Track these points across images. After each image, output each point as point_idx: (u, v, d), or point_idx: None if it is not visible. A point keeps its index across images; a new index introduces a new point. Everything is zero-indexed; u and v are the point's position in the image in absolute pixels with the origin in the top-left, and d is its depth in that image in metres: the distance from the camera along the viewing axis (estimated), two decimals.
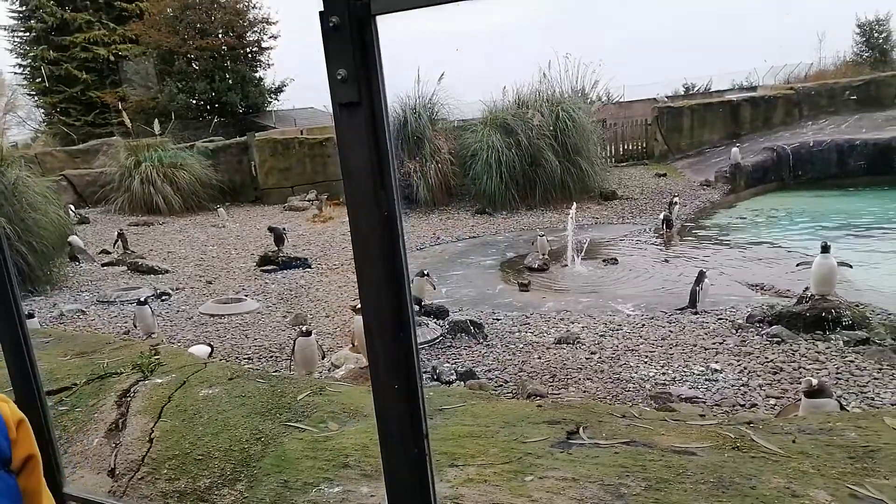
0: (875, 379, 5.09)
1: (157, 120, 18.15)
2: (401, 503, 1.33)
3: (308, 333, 5.39)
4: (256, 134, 18.62)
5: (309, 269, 11.23)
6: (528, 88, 15.76)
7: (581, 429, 1.90)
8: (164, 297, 9.98)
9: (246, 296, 9.83)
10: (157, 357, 2.58)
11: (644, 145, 18.60)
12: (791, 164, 15.53)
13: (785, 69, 23.27)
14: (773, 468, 1.61)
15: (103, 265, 12.22)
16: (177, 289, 10.63)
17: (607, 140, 17.59)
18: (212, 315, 8.87)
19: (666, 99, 21.38)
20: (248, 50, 26.86)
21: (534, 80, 15.86)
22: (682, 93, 26.70)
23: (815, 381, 3.19)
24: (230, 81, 25.03)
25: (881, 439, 1.71)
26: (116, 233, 13.39)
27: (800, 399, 3.26)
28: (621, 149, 18.52)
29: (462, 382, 5.52)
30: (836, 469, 1.59)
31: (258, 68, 26.98)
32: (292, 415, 2.19)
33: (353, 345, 5.76)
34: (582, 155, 14.73)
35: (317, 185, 17.41)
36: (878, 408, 3.44)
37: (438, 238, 13.30)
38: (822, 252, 6.73)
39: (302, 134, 19.20)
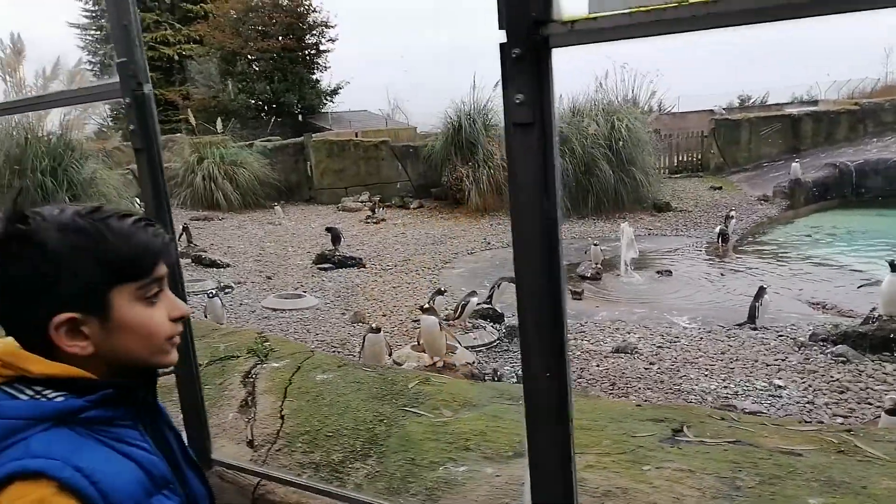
0: None
1: (219, 118, 18.76)
2: (545, 479, 1.48)
3: (377, 330, 5.62)
4: (313, 135, 19.08)
5: (363, 269, 11.49)
6: (584, 97, 15.79)
7: (685, 427, 2.03)
8: (227, 290, 10.35)
9: (304, 292, 10.13)
10: (267, 343, 2.80)
11: (699, 157, 18.39)
12: (854, 182, 15.16)
13: (849, 84, 22.72)
14: (881, 471, 1.72)
15: None
16: (238, 283, 11.02)
17: (662, 151, 17.45)
18: (274, 309, 9.19)
19: (723, 111, 21.08)
20: (306, 52, 27.56)
21: (589, 89, 15.88)
22: (738, 105, 26.29)
23: None
24: (288, 83, 25.72)
25: None
26: (181, 226, 13.91)
27: (879, 416, 3.30)
28: (676, 160, 18.35)
29: None
30: None
31: (315, 70, 27.70)
32: (407, 400, 2.37)
33: (418, 343, 5.95)
34: (636, 165, 14.68)
35: (370, 186, 17.74)
36: None
37: (489, 243, 13.43)
38: (891, 271, 6.63)
39: (357, 136, 19.60)
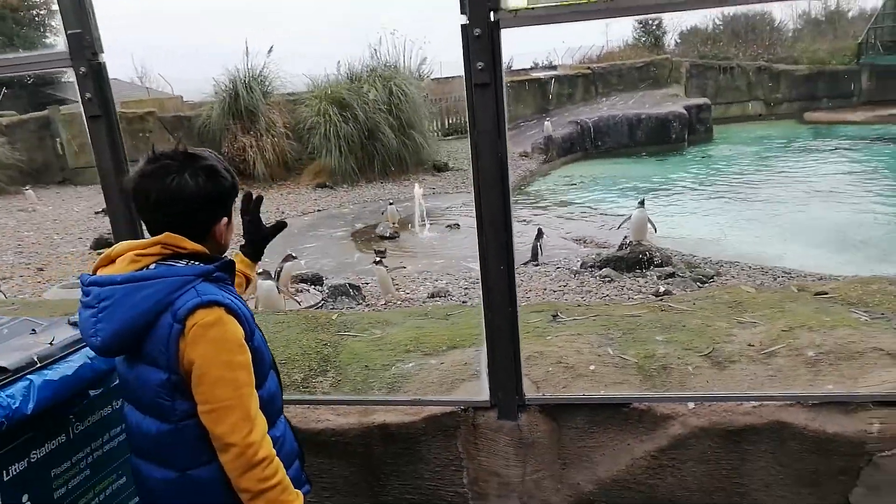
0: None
1: None
2: (501, 349, 2.03)
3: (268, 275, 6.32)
4: (60, 108, 16.95)
5: None
6: (360, 63, 16.22)
7: (559, 313, 2.73)
8: None
9: None
10: None
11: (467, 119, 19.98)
12: (592, 136, 17.83)
13: (581, 50, 26.22)
14: (690, 316, 2.58)
15: None
16: (3, 279, 9.77)
17: (434, 115, 18.65)
18: (63, 301, 8.41)
19: None
20: (35, 12, 23.87)
21: (364, 55, 16.35)
22: None
23: (662, 288, 4.35)
24: (15, 48, 22.11)
25: (742, 297, 2.76)
26: None
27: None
28: (446, 123, 19.75)
29: None
30: (725, 313, 2.60)
31: (48, 33, 24.11)
32: (339, 328, 2.73)
33: (256, 308, 6.09)
34: (416, 129, 15.60)
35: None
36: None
37: (283, 213, 13.43)
38: (638, 206, 8.28)
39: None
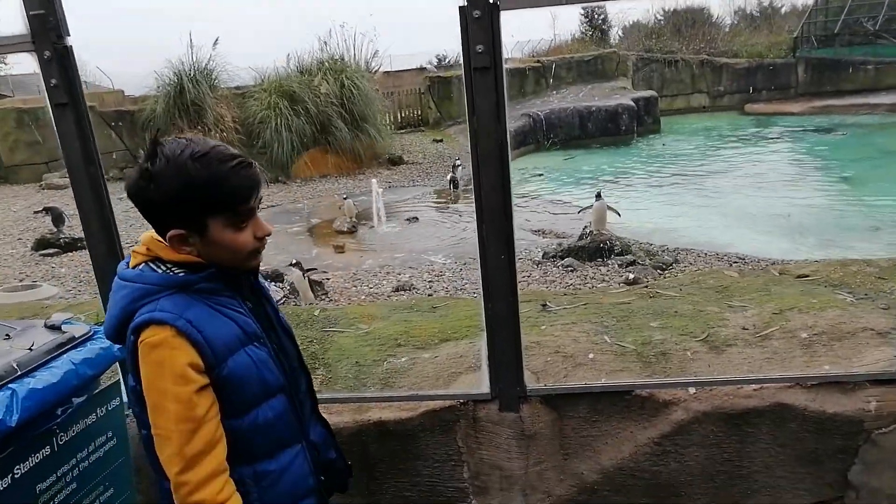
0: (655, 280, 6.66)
1: None
2: (502, 341, 1.99)
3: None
4: None
5: None
6: (310, 56, 15.92)
7: (548, 301, 2.70)
8: None
9: (35, 282, 8.93)
10: None
11: (420, 113, 19.89)
12: (544, 129, 17.99)
13: (529, 44, 26.40)
14: (679, 301, 2.60)
15: None
16: None
17: (386, 108, 18.48)
18: (5, 305, 7.98)
19: (435, 68, 22.91)
20: None
21: (314, 48, 16.05)
22: (437, 64, 28.55)
23: (631, 276, 4.39)
24: None
25: (727, 282, 2.79)
26: None
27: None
28: (399, 116, 19.60)
29: None
30: (714, 297, 2.62)
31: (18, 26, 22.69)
32: (324, 324, 2.64)
33: None
34: (369, 122, 15.42)
35: (122, 166, 15.67)
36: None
37: None
38: (596, 198, 8.40)
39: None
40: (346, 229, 11.04)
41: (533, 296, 2.89)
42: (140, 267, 1.33)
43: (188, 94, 14.70)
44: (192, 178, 1.25)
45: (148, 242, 1.35)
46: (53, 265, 9.84)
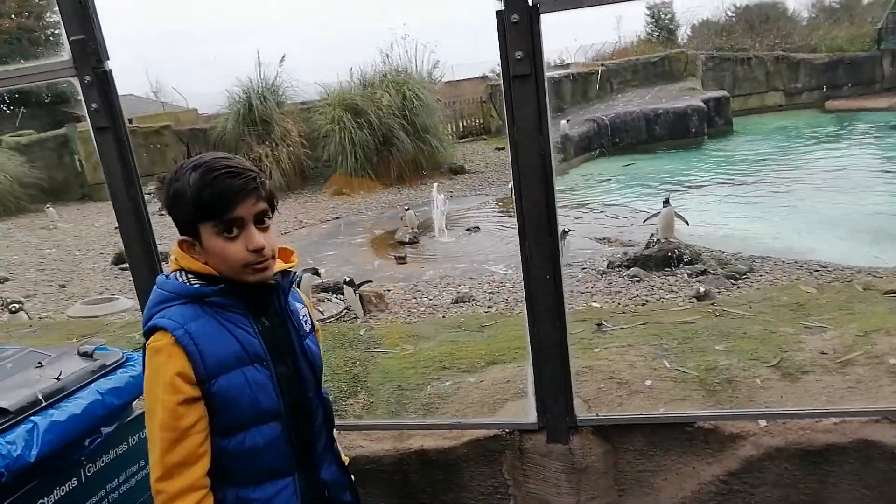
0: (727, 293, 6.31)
1: None
2: (549, 369, 1.85)
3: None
4: (78, 125, 17.02)
5: None
6: (372, 69, 16.12)
7: (603, 321, 2.54)
8: (15, 306, 9.12)
9: (113, 295, 9.32)
10: None
11: (482, 121, 19.84)
12: (610, 133, 17.56)
13: (593, 47, 25.96)
14: (750, 321, 2.38)
15: None
16: (27, 296, 9.75)
17: (448, 118, 18.51)
18: (85, 317, 8.36)
19: (496, 76, 22.85)
20: (48, 32, 24.11)
21: (376, 60, 16.25)
22: (497, 72, 28.44)
23: (702, 289, 4.13)
24: None
25: (803, 298, 2.55)
26: None
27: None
28: (461, 126, 19.61)
29: None
30: (788, 317, 2.39)
31: (64, 52, 24.24)
32: (367, 344, 2.57)
33: None
34: (430, 132, 15.46)
35: (157, 177, 16.41)
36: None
37: (301, 221, 13.35)
38: (664, 204, 8.06)
39: (131, 122, 17.89)
40: (407, 240, 11.05)
41: (588, 314, 2.73)
42: (171, 275, 1.38)
43: (256, 111, 15.14)
44: (182, 184, 1.30)
45: (175, 252, 1.38)
46: (130, 279, 10.25)
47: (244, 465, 1.33)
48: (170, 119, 17.91)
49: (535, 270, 1.79)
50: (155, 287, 1.37)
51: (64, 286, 10.13)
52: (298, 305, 1.49)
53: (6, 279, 10.60)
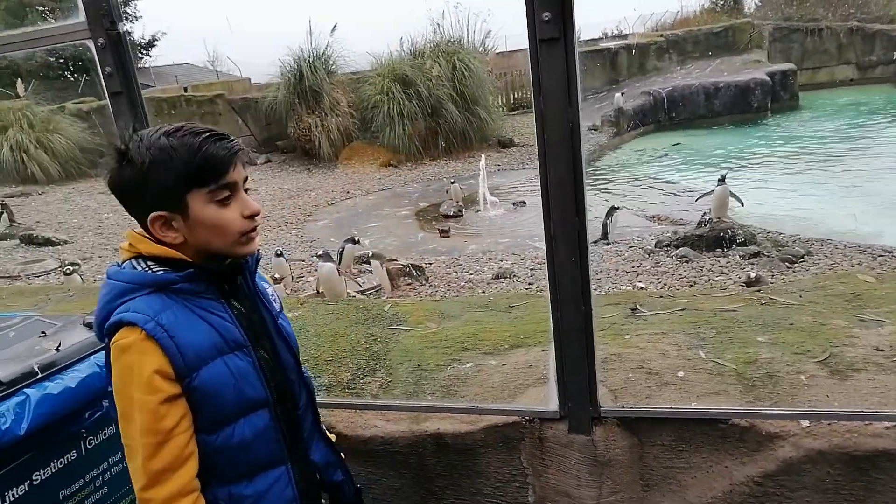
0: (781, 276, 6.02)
1: (18, 80, 16.54)
2: (572, 356, 1.74)
3: (329, 258, 6.07)
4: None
5: None
6: (423, 39, 15.91)
7: (638, 305, 2.40)
8: (70, 269, 9.44)
9: None
10: None
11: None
12: (666, 107, 16.94)
13: (653, 17, 25.02)
14: (797, 311, 2.21)
15: None
16: (84, 259, 10.10)
17: (499, 90, 18.17)
18: None
19: None
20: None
21: (427, 31, 16.02)
22: None
23: (753, 275, 3.91)
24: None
25: (860, 288, 2.35)
26: None
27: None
28: (512, 97, 19.24)
29: None
30: (841, 308, 2.21)
31: (125, 20, 24.78)
32: (391, 321, 2.51)
33: (317, 291, 5.98)
34: (480, 104, 15.22)
35: (104, 152, 16.71)
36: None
37: (348, 192, 13.39)
38: (719, 182, 7.71)
39: (186, 91, 18.23)
40: (452, 213, 10.97)
41: (624, 297, 2.58)
42: (125, 264, 1.25)
43: (307, 80, 15.16)
44: (164, 149, 1.18)
45: (130, 237, 1.26)
46: None
47: (234, 460, 1.25)
48: (223, 88, 18.16)
49: (560, 252, 1.67)
50: (106, 279, 1.25)
51: (118, 250, 10.46)
52: (265, 284, 1.41)
53: (66, 241, 11.00)
